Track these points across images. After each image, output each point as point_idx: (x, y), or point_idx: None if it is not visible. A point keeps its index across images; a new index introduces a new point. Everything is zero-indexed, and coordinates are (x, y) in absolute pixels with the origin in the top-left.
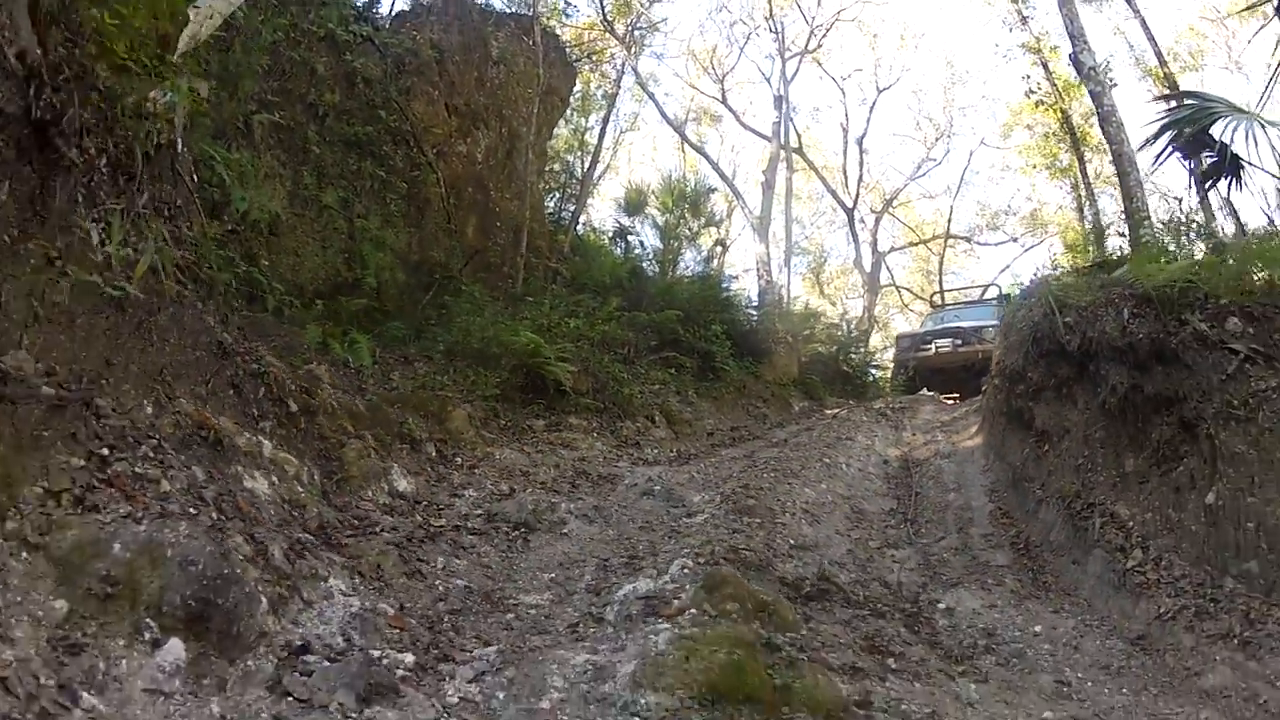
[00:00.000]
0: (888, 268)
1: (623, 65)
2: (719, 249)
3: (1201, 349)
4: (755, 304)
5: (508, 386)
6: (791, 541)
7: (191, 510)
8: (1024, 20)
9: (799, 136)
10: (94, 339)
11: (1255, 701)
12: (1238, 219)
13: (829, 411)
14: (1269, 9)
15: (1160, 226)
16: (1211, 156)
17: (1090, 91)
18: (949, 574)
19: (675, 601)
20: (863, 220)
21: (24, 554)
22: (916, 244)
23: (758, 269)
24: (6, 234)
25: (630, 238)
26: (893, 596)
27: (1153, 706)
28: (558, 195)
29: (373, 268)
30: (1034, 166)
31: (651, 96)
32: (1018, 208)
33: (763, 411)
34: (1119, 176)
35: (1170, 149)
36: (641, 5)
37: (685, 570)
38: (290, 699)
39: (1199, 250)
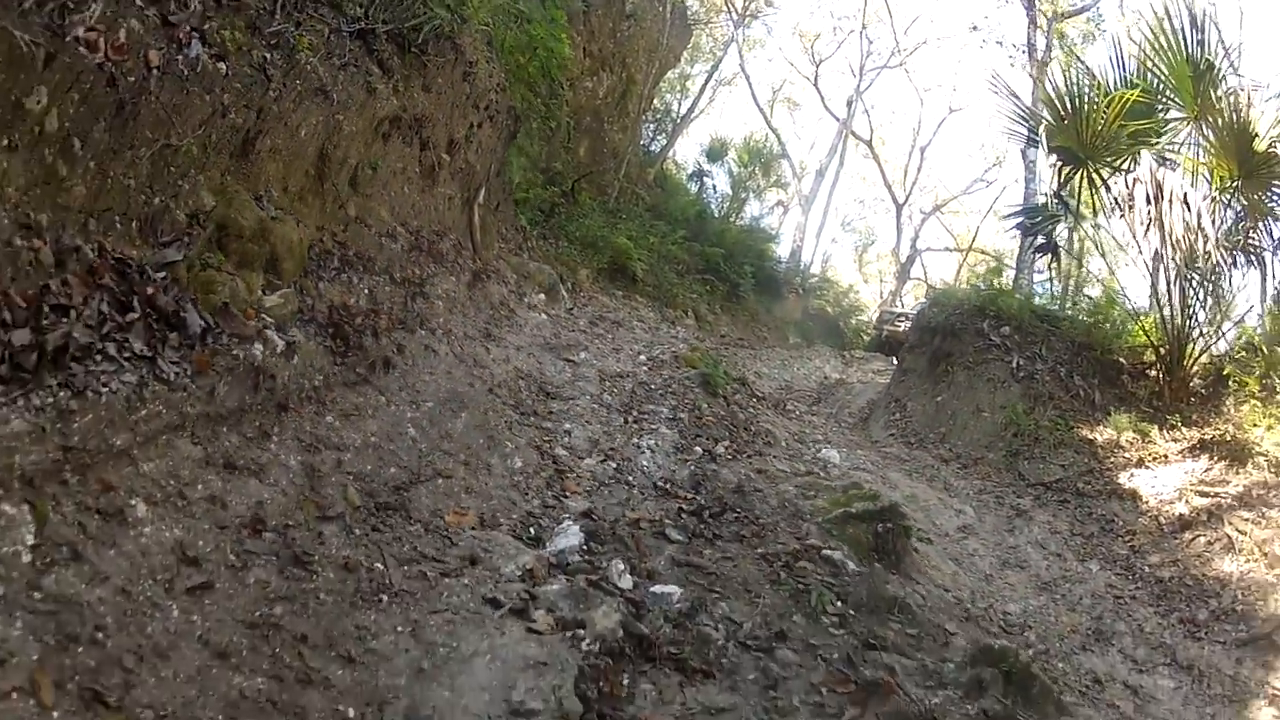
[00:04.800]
0: (923, 264)
1: (731, 35)
2: (780, 208)
3: (974, 336)
4: (783, 260)
5: (605, 267)
6: (743, 374)
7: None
8: None
9: (871, 131)
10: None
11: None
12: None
13: (810, 348)
14: None
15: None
16: (1043, 241)
17: None
18: (822, 428)
19: (677, 346)
20: (910, 217)
21: None
22: (952, 250)
23: (795, 235)
24: None
25: (706, 180)
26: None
27: (907, 457)
28: (653, 127)
29: (516, 167)
30: None
31: (747, 78)
32: None
33: (763, 335)
34: None
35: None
36: None
37: (680, 341)
38: (547, 331)
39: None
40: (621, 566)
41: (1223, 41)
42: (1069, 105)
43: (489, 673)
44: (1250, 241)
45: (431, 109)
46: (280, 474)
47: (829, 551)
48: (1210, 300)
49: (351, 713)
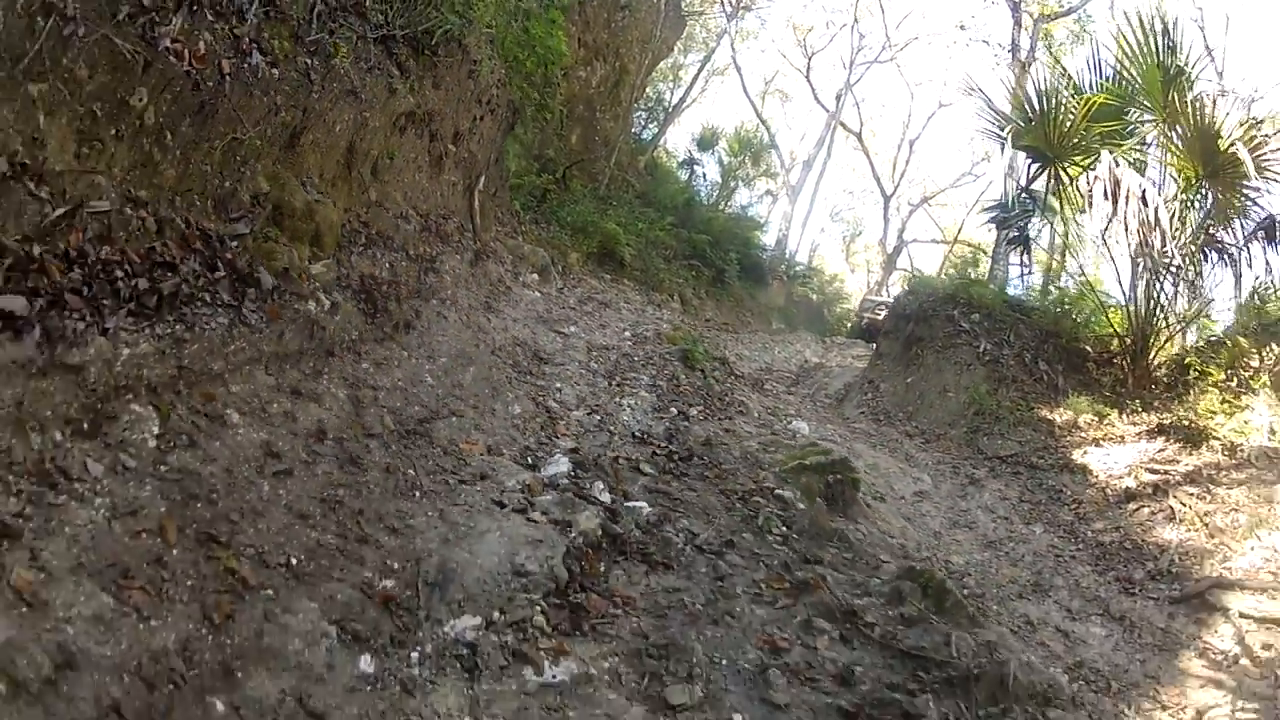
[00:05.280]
0: (909, 255)
1: (725, 27)
2: (769, 197)
3: (945, 322)
4: (769, 248)
5: (595, 251)
6: (724, 354)
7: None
8: None
9: (861, 123)
10: None
11: (900, 448)
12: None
13: (793, 334)
14: None
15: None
16: (1017, 235)
17: None
18: (796, 405)
19: (660, 326)
20: (897, 209)
21: None
22: (939, 242)
23: (781, 224)
24: None
25: (696, 168)
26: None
27: (874, 431)
28: (644, 116)
29: (512, 155)
30: None
31: (739, 70)
32: None
33: (747, 320)
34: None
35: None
36: None
37: (664, 322)
38: (540, 307)
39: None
40: (602, 486)
41: (1208, 47)
42: (1036, 107)
43: (498, 544)
44: (1218, 239)
45: (441, 104)
46: (333, 402)
47: (781, 491)
48: (1177, 294)
49: (396, 565)
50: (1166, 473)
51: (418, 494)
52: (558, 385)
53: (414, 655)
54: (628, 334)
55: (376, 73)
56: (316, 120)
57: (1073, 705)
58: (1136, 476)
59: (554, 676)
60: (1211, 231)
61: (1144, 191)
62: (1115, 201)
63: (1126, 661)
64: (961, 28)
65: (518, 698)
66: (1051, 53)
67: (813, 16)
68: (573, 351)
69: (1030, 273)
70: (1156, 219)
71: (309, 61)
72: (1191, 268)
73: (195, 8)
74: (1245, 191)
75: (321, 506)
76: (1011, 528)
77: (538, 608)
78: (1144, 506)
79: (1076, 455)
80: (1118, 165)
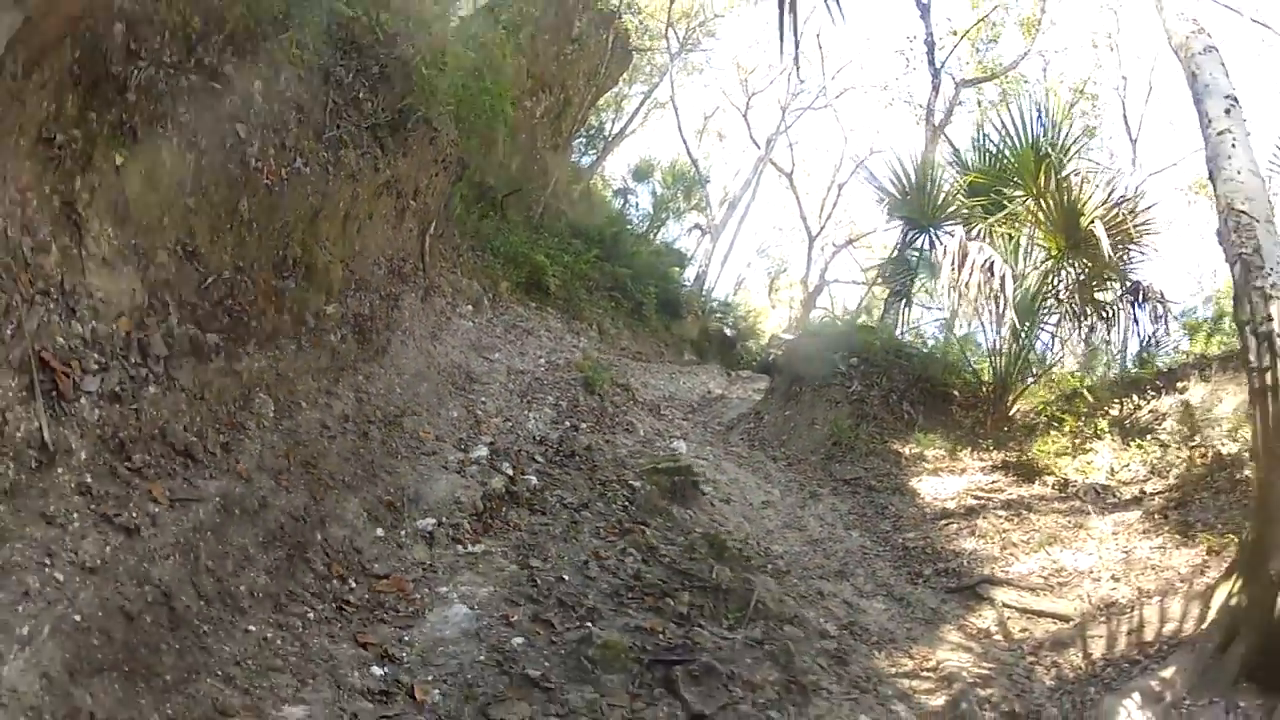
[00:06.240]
0: (830, 294)
1: (667, 68)
2: (698, 230)
3: (825, 363)
4: (687, 283)
5: (524, 281)
6: (629, 382)
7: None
8: None
9: (793, 164)
10: None
11: (764, 468)
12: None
13: (702, 366)
14: None
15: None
16: (899, 288)
17: None
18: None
19: (573, 354)
20: (822, 249)
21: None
22: (860, 283)
23: (701, 260)
24: None
25: (630, 197)
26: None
27: (746, 455)
28: (584, 143)
29: (458, 198)
30: None
31: (676, 110)
32: None
33: (661, 350)
34: None
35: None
36: (699, 19)
37: (578, 350)
38: (472, 335)
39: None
40: (508, 466)
41: (1125, 116)
42: (908, 183)
43: (445, 487)
44: (1098, 300)
45: (407, 170)
46: (347, 400)
47: (633, 482)
48: (1047, 348)
49: (392, 490)
50: (988, 499)
51: (399, 457)
52: (483, 399)
53: (402, 533)
54: (543, 360)
55: (366, 156)
56: (329, 201)
57: (819, 636)
58: (960, 501)
59: (472, 549)
60: (1094, 294)
61: (991, 262)
62: (960, 269)
63: (895, 628)
64: (885, 88)
65: (453, 557)
66: (978, 114)
67: (757, 58)
68: (496, 374)
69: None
70: (1002, 285)
71: (326, 155)
72: (1069, 325)
73: (268, 133)
74: (1122, 257)
75: (353, 456)
76: (834, 531)
77: (465, 519)
78: (954, 523)
79: (912, 481)
80: (970, 238)
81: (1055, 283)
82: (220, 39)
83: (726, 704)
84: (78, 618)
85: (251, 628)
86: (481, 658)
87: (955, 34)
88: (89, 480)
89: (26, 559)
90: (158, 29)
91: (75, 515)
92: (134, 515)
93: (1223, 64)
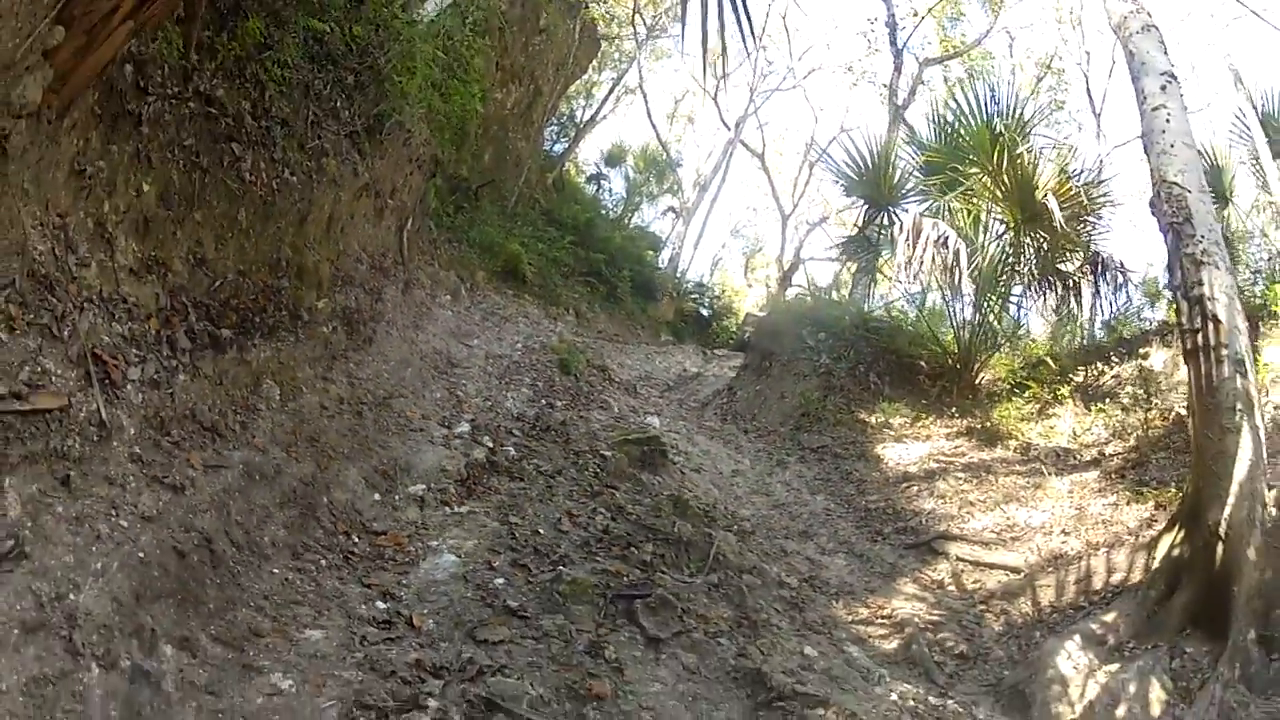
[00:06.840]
0: (806, 272)
1: (636, 54)
2: (672, 213)
3: (794, 339)
4: (661, 266)
5: (500, 269)
6: (605, 363)
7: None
8: None
9: (764, 145)
10: None
11: (735, 440)
12: (864, 300)
13: (678, 346)
14: None
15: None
16: (864, 265)
17: None
18: (658, 405)
19: (550, 339)
20: (796, 227)
21: None
22: (834, 260)
23: (674, 242)
24: None
25: (603, 183)
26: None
27: (718, 428)
28: (556, 130)
29: (432, 193)
30: None
31: (645, 97)
32: None
33: (637, 332)
34: None
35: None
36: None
37: (555, 334)
38: (452, 324)
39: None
40: (488, 439)
41: (1089, 90)
42: (866, 164)
43: (433, 457)
44: (1061, 270)
45: (384, 171)
46: (341, 385)
47: (605, 452)
48: (1015, 318)
49: (385, 460)
50: (950, 463)
51: (390, 433)
52: (464, 382)
53: (396, 497)
54: (520, 345)
55: (346, 162)
56: (315, 206)
57: (777, 585)
58: (922, 465)
59: (458, 509)
60: (1056, 265)
61: (945, 237)
62: (914, 245)
63: (855, 581)
64: (849, 69)
65: (442, 516)
66: (944, 91)
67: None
68: (475, 359)
69: (874, 301)
70: (956, 259)
71: (310, 163)
72: (1034, 296)
73: (259, 149)
74: (1080, 229)
75: (350, 433)
76: (799, 496)
77: (451, 485)
78: (915, 485)
79: (877, 448)
80: (928, 215)
81: (1015, 254)
82: (212, 67)
83: (680, 631)
84: (141, 555)
85: (275, 570)
86: (468, 594)
87: (916, 15)
88: (139, 450)
89: (96, 511)
90: (159, 65)
91: (131, 478)
92: (178, 477)
93: (1161, 42)
